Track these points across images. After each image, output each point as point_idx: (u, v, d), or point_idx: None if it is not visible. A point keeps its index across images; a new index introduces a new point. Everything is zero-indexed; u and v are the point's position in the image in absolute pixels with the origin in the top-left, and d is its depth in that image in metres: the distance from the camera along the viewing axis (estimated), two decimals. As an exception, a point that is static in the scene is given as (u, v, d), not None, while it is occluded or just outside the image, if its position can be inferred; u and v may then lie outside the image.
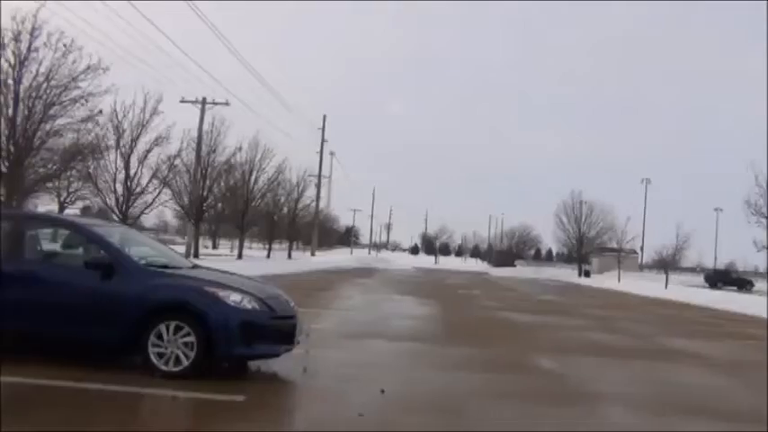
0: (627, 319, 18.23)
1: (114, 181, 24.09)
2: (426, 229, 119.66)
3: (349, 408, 5.77)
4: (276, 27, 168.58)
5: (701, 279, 58.52)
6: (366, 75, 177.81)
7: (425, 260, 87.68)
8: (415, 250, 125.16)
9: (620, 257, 50.58)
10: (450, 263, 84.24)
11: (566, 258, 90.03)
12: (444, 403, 6.26)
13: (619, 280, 45.79)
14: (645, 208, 68.29)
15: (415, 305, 17.34)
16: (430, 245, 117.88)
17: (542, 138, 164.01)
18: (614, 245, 55.37)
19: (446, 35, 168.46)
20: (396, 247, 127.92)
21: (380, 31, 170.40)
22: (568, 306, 21.90)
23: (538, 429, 5.65)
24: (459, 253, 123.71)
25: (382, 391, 6.28)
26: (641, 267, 69.39)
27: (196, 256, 30.82)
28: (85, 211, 31.86)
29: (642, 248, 66.86)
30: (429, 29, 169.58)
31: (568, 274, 61.30)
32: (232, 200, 38.61)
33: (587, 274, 59.21)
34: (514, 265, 76.74)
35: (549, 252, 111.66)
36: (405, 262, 66.16)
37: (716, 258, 78.16)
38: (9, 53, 16.45)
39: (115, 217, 23.88)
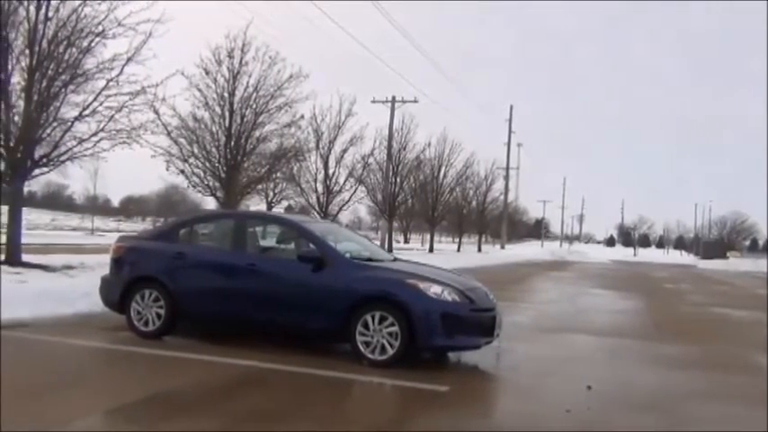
0: None
1: (315, 181, 25.94)
2: (623, 219, 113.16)
3: (554, 403, 5.62)
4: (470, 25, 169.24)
5: None
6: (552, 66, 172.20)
7: (623, 252, 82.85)
8: (610, 242, 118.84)
9: None
10: (650, 255, 78.75)
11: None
12: (659, 402, 5.86)
13: None
14: None
15: (615, 299, 16.48)
16: (627, 236, 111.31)
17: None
18: None
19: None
20: (589, 239, 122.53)
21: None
22: (796, 302, 19.45)
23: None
24: (660, 245, 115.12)
25: (588, 388, 6.04)
26: None
27: (390, 250, 31.91)
28: (288, 209, 34.35)
29: None
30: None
31: (793, 266, 54.58)
32: (422, 195, 39.49)
33: (817, 266, 52.25)
34: (726, 257, 69.82)
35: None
36: (600, 254, 63.16)
37: None
38: (224, 69, 18.16)
39: (316, 214, 25.54)
